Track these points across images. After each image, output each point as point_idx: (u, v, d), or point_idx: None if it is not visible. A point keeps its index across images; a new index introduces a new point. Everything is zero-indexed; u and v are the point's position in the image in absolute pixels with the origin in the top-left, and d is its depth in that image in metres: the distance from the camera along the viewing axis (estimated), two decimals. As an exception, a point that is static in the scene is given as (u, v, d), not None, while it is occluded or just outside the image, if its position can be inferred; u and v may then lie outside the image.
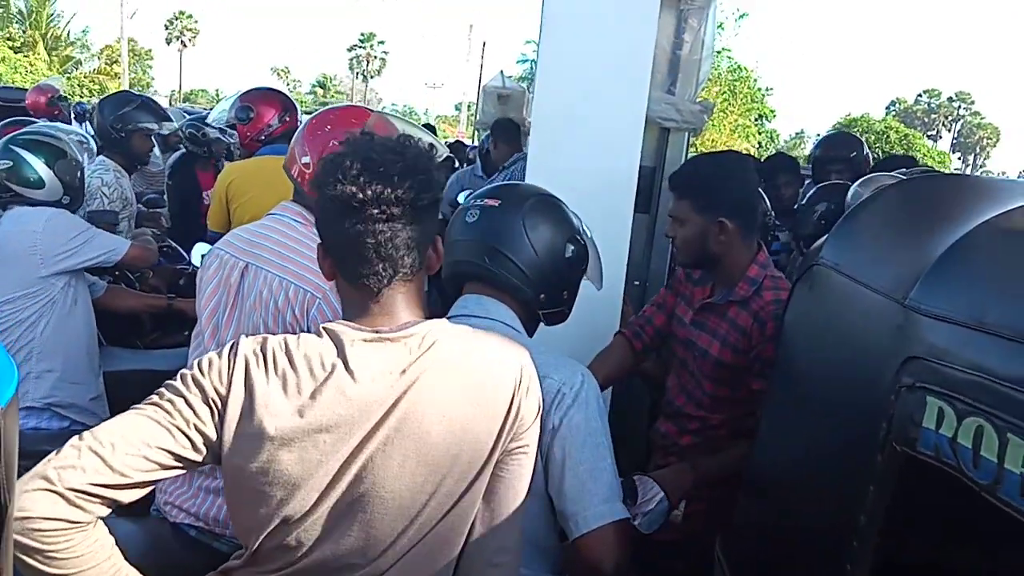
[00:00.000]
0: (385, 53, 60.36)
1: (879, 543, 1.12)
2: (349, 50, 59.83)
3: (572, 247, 1.57)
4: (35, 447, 2.29)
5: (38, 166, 2.77)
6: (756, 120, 29.37)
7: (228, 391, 1.11)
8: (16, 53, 27.45)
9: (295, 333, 1.78)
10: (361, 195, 1.09)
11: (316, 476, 1.11)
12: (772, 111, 31.07)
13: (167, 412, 1.10)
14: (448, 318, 1.52)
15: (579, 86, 2.59)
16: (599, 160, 2.64)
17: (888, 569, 1.18)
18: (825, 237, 1.53)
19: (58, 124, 4.10)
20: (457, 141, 10.63)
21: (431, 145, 1.21)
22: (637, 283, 3.02)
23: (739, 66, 25.26)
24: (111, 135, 3.78)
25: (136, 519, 1.79)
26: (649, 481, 1.75)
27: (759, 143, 28.62)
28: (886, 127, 35.60)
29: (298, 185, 1.85)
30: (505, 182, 1.76)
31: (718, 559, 1.83)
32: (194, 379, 1.13)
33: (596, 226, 2.60)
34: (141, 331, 3.50)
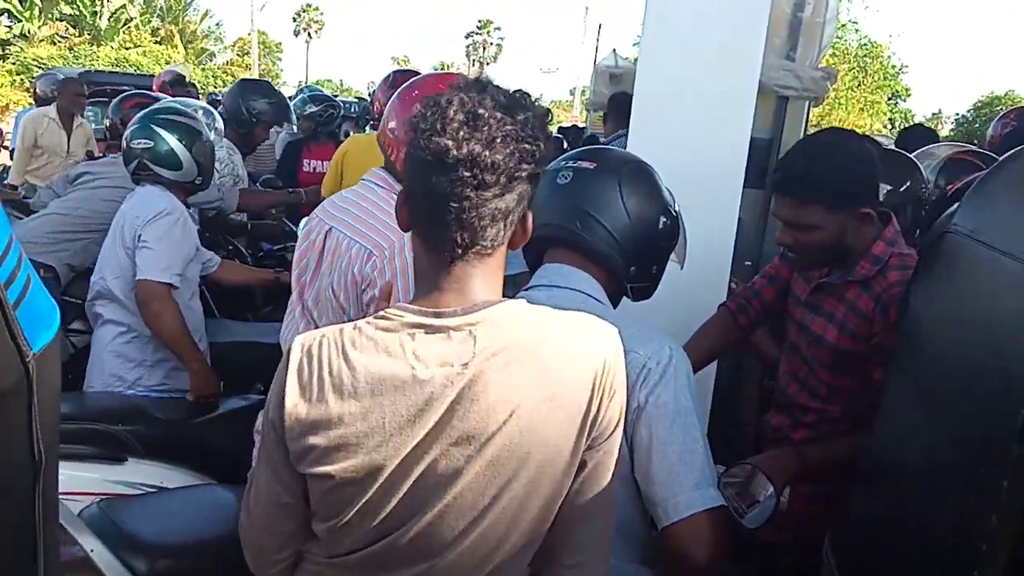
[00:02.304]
0: (501, 39, 60.77)
1: (1013, 547, 0.98)
2: (466, 37, 60.56)
3: (665, 219, 1.47)
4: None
5: (176, 146, 2.81)
6: (890, 99, 27.79)
7: (281, 409, 1.07)
8: (157, 46, 29.21)
9: (360, 294, 1.83)
10: (455, 152, 0.98)
11: (377, 477, 1.04)
12: (907, 89, 29.32)
13: (262, 482, 1.15)
14: (527, 289, 1.45)
15: (687, 50, 2.44)
16: (706, 131, 2.49)
17: (1024, 578, 1.03)
18: (957, 204, 1.36)
19: (187, 100, 4.28)
20: (573, 125, 10.47)
21: (548, 111, 1.09)
22: (748, 263, 2.86)
23: (870, 41, 23.88)
24: (240, 116, 4.03)
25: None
26: (758, 472, 1.62)
27: (891, 121, 27.03)
28: (1035, 104, 32.85)
29: (385, 152, 1.84)
30: (599, 146, 1.65)
31: (826, 559, 1.68)
32: (265, 426, 1.13)
33: (702, 201, 2.49)
34: (254, 304, 3.61)
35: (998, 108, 26.29)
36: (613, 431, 1.11)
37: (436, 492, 1.04)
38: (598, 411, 1.08)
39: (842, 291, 1.84)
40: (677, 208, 1.52)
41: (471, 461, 1.03)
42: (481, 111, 1.00)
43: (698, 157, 2.49)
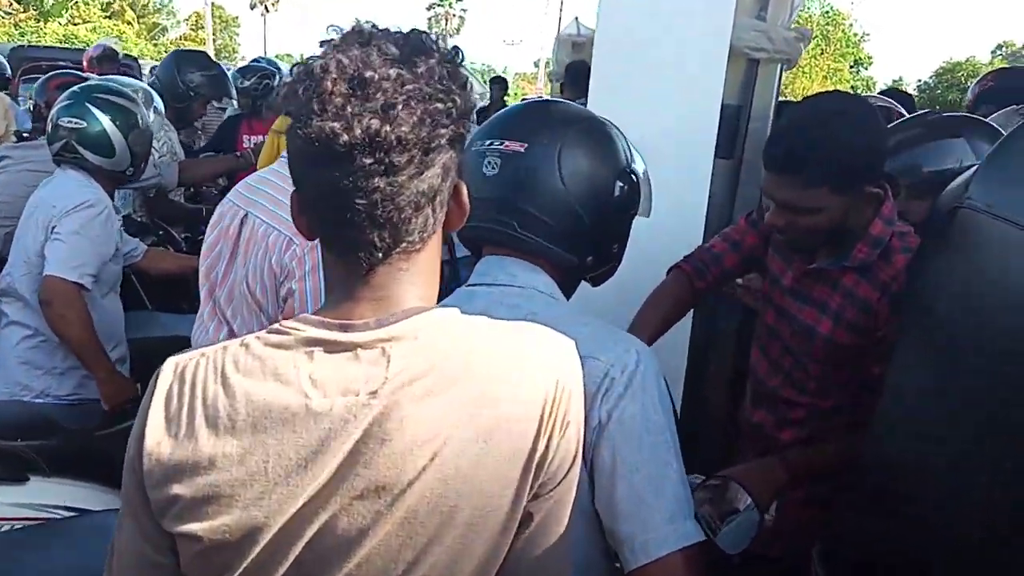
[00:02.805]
0: (464, 11, 59.82)
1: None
2: (428, 9, 59.54)
3: (622, 183, 1.23)
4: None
5: (110, 129, 2.52)
6: (852, 67, 27.86)
7: (141, 447, 0.83)
8: (108, 20, 28.24)
9: (278, 288, 1.59)
10: (346, 137, 0.75)
11: (258, 539, 0.81)
12: (869, 57, 29.41)
13: (126, 535, 0.89)
14: (468, 286, 1.23)
15: (651, 9, 2.23)
16: (674, 98, 2.28)
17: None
18: (968, 173, 1.16)
19: (127, 80, 3.96)
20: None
21: (455, 49, 0.85)
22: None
23: (832, 8, 23.83)
24: (176, 90, 3.85)
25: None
26: (733, 485, 1.42)
27: (853, 89, 27.10)
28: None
29: None
30: (529, 108, 1.39)
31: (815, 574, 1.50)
32: (127, 464, 0.87)
33: (670, 175, 2.28)
34: (189, 294, 3.34)
35: (959, 74, 26.50)
36: (567, 473, 0.89)
37: (335, 558, 0.81)
38: (547, 450, 0.85)
39: (836, 278, 1.63)
40: (634, 160, 1.28)
41: (381, 518, 0.80)
42: (368, 73, 0.76)
43: (664, 127, 2.28)
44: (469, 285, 1.23)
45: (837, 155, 1.46)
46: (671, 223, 2.27)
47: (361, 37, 0.80)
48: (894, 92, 4.74)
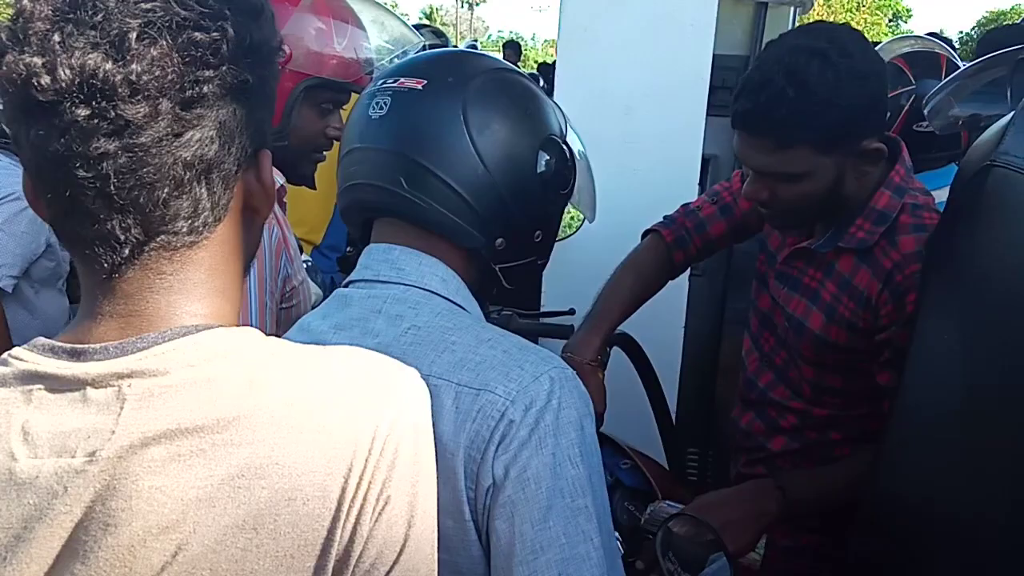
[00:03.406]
0: (489, -23, 58.99)
1: None
2: (452, -24, 58.80)
3: (548, 156, 0.94)
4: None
5: None
6: (890, 21, 26.88)
7: None
8: None
9: None
10: (49, 78, 0.53)
11: None
12: (908, 10, 28.30)
13: None
14: (346, 285, 0.95)
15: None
16: (660, 47, 1.97)
17: None
18: (1004, 123, 0.85)
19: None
20: (555, 62, 9.79)
21: None
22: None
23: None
24: None
25: None
26: (690, 526, 1.13)
27: (892, 46, 26.15)
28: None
29: None
30: (442, 52, 1.09)
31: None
32: None
33: (659, 134, 1.99)
34: None
35: (1004, 23, 25.35)
36: (391, 570, 0.61)
37: None
38: (351, 540, 0.58)
39: (830, 261, 1.30)
40: (566, 135, 0.99)
41: None
42: None
43: (647, 81, 1.98)
44: (345, 284, 0.95)
45: (815, 106, 1.13)
46: (662, 188, 1.98)
47: None
48: (935, 37, 4.31)
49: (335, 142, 1.37)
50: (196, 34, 0.55)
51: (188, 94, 0.55)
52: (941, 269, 0.94)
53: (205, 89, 0.56)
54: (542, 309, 1.99)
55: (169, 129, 0.55)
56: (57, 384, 0.58)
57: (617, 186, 2.02)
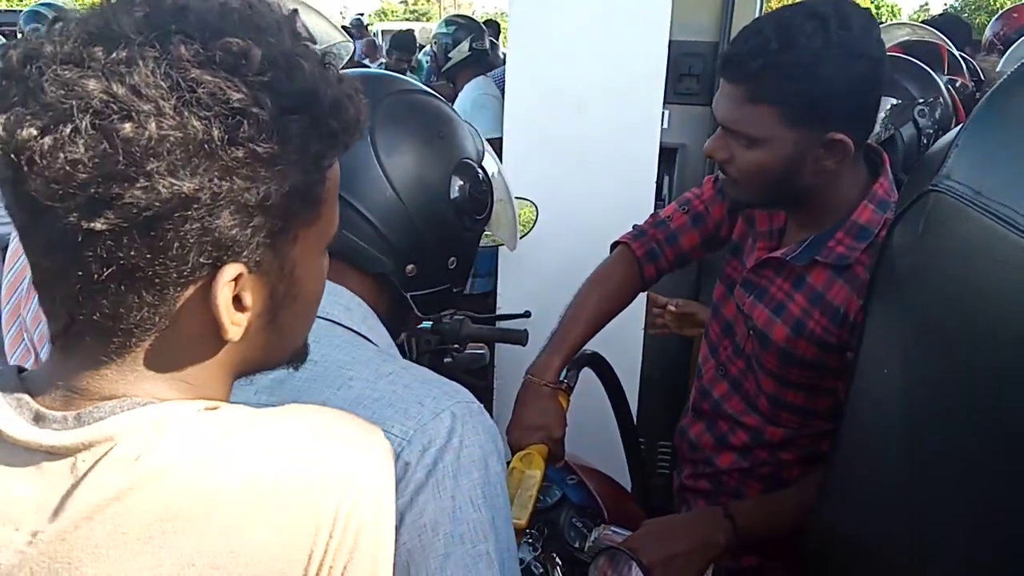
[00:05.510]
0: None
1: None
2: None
3: (461, 181, 0.90)
4: None
5: None
6: (872, -7, 26.76)
7: None
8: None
9: None
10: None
11: None
12: (891, -19, 28.16)
13: None
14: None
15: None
16: (613, 39, 1.89)
17: None
18: (948, 142, 0.79)
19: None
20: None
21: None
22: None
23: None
24: None
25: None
26: (624, 562, 1.08)
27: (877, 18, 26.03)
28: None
29: None
30: (351, 71, 1.04)
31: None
32: None
33: (612, 124, 1.92)
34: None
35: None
36: None
37: None
38: None
39: (801, 273, 1.23)
40: (483, 157, 0.94)
41: None
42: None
43: (600, 74, 1.91)
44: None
45: (794, 68, 1.08)
46: (623, 182, 1.92)
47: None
48: (950, 18, 3.95)
49: None
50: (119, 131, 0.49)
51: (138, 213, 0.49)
52: (884, 295, 0.89)
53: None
54: (497, 312, 1.93)
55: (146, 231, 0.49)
56: (13, 449, 0.54)
57: (572, 184, 1.96)
